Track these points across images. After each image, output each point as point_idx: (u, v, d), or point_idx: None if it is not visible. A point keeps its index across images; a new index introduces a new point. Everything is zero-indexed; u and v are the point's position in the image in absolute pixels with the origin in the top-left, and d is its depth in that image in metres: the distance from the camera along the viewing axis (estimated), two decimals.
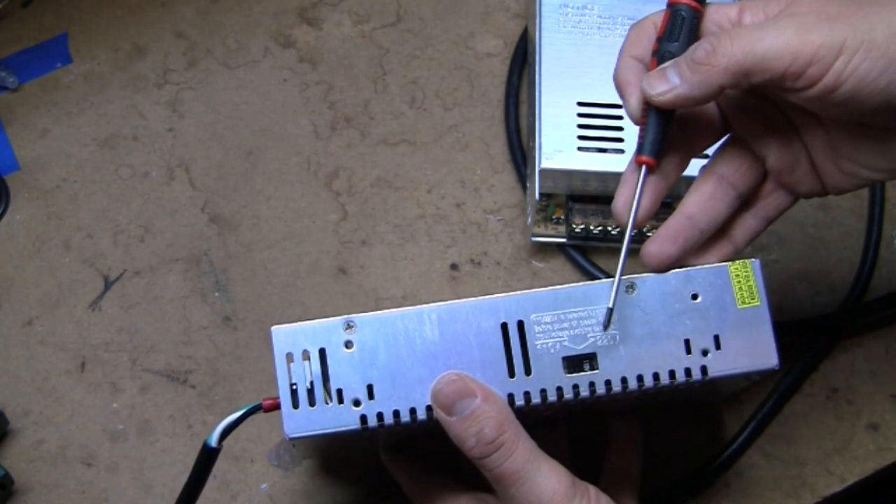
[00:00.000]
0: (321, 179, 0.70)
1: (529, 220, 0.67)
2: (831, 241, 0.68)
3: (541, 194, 0.65)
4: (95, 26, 0.74)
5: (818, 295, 0.67)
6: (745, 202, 0.52)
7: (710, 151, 0.53)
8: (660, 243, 0.50)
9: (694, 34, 0.48)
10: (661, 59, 0.48)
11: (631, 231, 0.49)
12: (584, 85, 0.64)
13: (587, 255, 0.67)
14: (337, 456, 0.62)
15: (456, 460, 0.58)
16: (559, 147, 0.63)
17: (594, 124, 0.64)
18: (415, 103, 0.72)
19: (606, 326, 0.49)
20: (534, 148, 0.65)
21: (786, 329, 0.64)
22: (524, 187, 0.69)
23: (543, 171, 0.63)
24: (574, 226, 0.66)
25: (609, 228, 0.66)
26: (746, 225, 0.52)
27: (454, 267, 0.67)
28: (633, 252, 0.66)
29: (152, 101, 0.72)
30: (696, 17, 0.48)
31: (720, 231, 0.52)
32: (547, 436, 0.51)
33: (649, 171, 0.49)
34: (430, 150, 0.71)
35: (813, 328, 0.65)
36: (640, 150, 0.49)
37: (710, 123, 0.51)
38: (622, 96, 0.49)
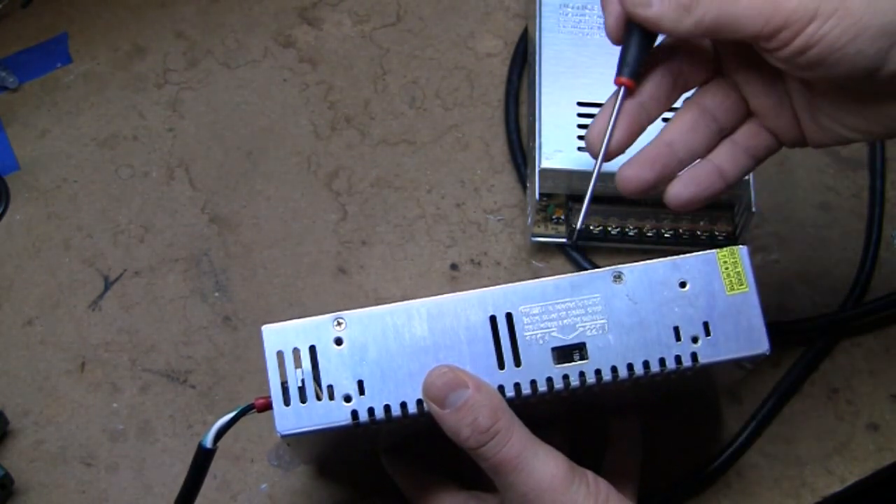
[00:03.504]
0: (321, 179, 0.70)
1: (529, 220, 0.67)
2: (831, 241, 0.68)
3: (541, 194, 0.65)
4: (95, 26, 0.74)
5: (818, 295, 0.67)
6: (735, 140, 0.52)
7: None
8: (637, 167, 0.50)
9: None
10: None
11: (602, 158, 0.49)
12: (584, 85, 0.64)
13: (587, 255, 0.67)
14: (336, 457, 0.62)
15: (454, 461, 0.58)
16: (559, 147, 0.63)
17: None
18: (415, 103, 0.72)
19: (570, 238, 0.49)
20: (534, 148, 0.65)
21: (786, 329, 0.65)
22: (524, 187, 0.69)
23: (543, 171, 0.63)
24: (574, 226, 0.66)
25: (609, 228, 0.66)
26: (736, 161, 0.52)
27: (454, 267, 0.67)
28: (619, 251, 0.67)
29: (152, 101, 0.72)
30: None
31: (712, 167, 0.52)
32: (545, 435, 0.51)
33: (628, 94, 0.49)
34: (430, 150, 0.71)
35: (813, 328, 0.65)
36: (619, 72, 0.49)
37: (699, 57, 0.51)
38: (604, 10, 0.49)
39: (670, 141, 0.51)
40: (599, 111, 0.50)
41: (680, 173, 0.51)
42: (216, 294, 0.66)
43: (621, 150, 0.50)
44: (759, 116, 0.51)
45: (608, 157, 0.50)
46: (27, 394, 0.63)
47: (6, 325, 0.65)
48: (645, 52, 0.49)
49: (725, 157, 0.52)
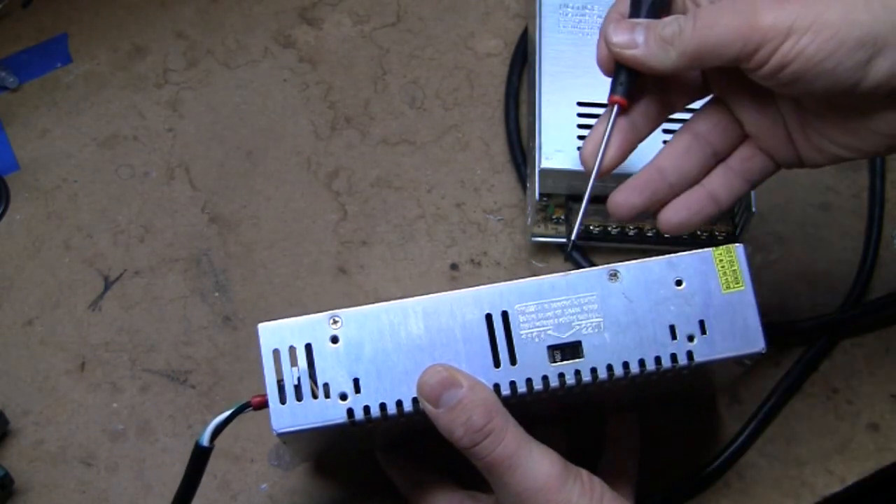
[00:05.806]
0: (321, 179, 0.70)
1: (529, 220, 0.67)
2: (831, 241, 0.68)
3: (541, 194, 0.65)
4: (95, 26, 0.74)
5: (818, 295, 0.67)
6: (729, 164, 0.52)
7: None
8: (627, 193, 0.52)
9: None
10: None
11: (596, 175, 0.50)
12: (584, 85, 0.64)
13: (587, 255, 0.67)
14: (334, 455, 0.62)
15: (452, 460, 0.58)
16: (559, 147, 0.63)
17: (594, 124, 0.64)
18: (415, 103, 0.72)
19: (566, 248, 0.53)
20: (534, 148, 0.65)
21: (786, 329, 0.65)
22: (524, 187, 0.69)
23: (543, 171, 0.63)
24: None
25: (609, 228, 0.66)
26: (730, 186, 0.52)
27: (454, 267, 0.67)
28: (620, 251, 0.67)
29: (152, 101, 0.72)
30: None
31: (704, 192, 0.52)
32: (541, 434, 0.51)
33: (621, 112, 0.50)
34: (430, 150, 0.71)
35: (813, 328, 0.65)
36: (612, 90, 0.50)
37: (688, 80, 0.52)
38: (598, 45, 0.51)
39: (661, 167, 0.52)
40: (593, 128, 0.51)
41: (676, 199, 0.53)
42: (216, 294, 0.66)
43: (614, 166, 0.52)
44: (754, 138, 0.52)
45: (602, 172, 0.51)
46: (27, 394, 0.63)
47: (6, 325, 0.65)
48: (636, 73, 0.50)
49: (719, 182, 0.52)
